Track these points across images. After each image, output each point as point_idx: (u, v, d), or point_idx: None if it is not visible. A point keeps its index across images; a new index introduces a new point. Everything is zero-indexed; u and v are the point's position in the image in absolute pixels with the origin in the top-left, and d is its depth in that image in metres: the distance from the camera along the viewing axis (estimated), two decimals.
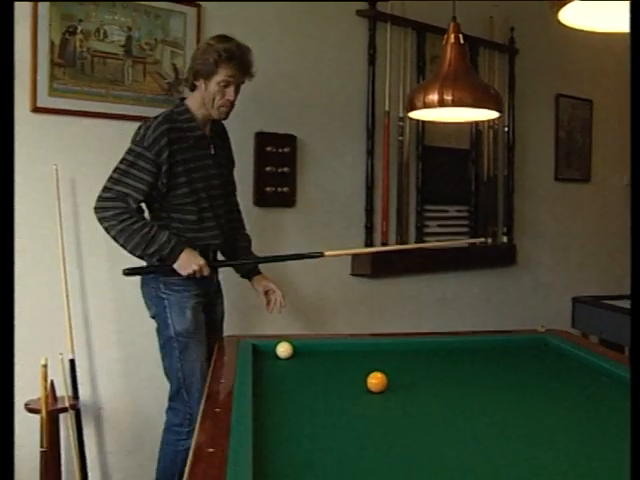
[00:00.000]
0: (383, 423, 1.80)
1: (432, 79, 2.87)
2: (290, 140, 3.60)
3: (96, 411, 3.15)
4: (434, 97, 2.71)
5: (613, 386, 2.16)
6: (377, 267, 3.95)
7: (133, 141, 2.65)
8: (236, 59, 2.67)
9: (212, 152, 2.81)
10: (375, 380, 2.02)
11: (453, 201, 4.50)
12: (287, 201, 3.58)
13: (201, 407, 1.85)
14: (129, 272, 2.67)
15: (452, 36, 2.79)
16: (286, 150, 3.59)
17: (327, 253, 2.90)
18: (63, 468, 2.84)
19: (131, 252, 2.61)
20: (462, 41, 2.80)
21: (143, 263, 2.73)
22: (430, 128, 4.25)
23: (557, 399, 2.05)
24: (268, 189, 3.57)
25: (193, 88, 2.78)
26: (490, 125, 4.62)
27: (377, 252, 3.85)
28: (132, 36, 3.11)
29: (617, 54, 5.62)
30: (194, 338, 2.72)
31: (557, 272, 5.31)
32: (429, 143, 4.29)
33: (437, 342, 2.71)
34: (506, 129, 4.76)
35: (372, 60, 3.99)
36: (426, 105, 2.76)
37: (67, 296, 2.87)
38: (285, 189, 3.56)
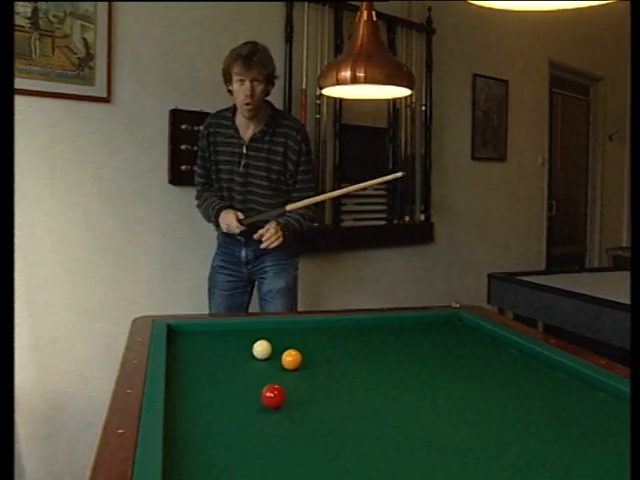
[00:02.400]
0: (295, 401, 1.80)
1: (345, 56, 2.88)
2: (205, 118, 3.54)
3: None
4: (346, 74, 2.71)
5: (523, 358, 2.21)
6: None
7: None
8: (242, 57, 2.91)
9: (244, 151, 3.12)
10: (290, 357, 2.02)
11: (370, 179, 4.52)
12: None
13: (112, 388, 1.82)
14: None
15: (365, 14, 2.79)
16: (202, 128, 3.53)
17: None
18: None
19: (207, 221, 3.29)
20: (375, 18, 2.80)
21: None
22: (347, 107, 4.25)
23: (469, 372, 2.08)
24: (183, 167, 3.52)
25: (231, 92, 3.07)
26: (407, 104, 4.65)
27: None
28: (39, 8, 3.00)
29: (532, 35, 5.73)
30: (213, 287, 3.33)
31: (474, 250, 5.41)
32: (346, 121, 4.30)
33: (353, 319, 2.72)
34: (423, 108, 4.81)
35: (289, 38, 3.96)
36: (339, 82, 2.76)
37: None
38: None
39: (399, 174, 3.09)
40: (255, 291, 3.39)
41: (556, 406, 1.77)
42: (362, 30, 2.81)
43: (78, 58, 3.13)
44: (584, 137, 7.14)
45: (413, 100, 4.65)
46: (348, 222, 4.36)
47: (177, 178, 3.53)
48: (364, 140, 4.45)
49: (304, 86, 4.01)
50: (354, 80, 2.72)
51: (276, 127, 3.12)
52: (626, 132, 7.37)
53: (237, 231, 3.10)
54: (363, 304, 4.15)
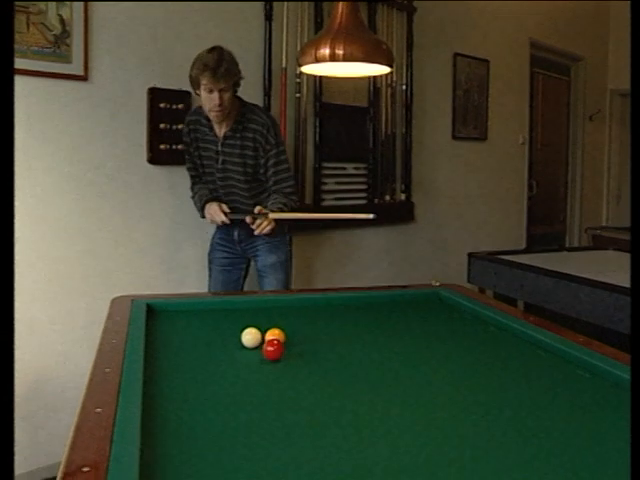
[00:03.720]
0: (278, 380, 1.80)
1: (324, 34, 2.86)
2: (184, 96, 3.52)
3: None
4: (325, 51, 2.70)
5: (503, 336, 2.22)
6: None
7: None
8: (209, 69, 2.98)
9: (219, 148, 3.23)
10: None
11: (351, 159, 4.53)
12: (182, 159, 3.50)
13: (90, 367, 1.81)
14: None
15: None
16: (180, 107, 3.51)
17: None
18: None
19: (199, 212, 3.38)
20: None
21: None
22: (328, 85, 4.24)
23: (448, 350, 2.09)
24: (162, 146, 3.49)
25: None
26: (388, 83, 4.64)
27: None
28: None
29: (513, 14, 5.73)
30: (211, 263, 3.53)
31: (455, 229, 5.43)
32: (327, 100, 4.29)
33: (333, 298, 2.72)
34: (404, 87, 4.80)
35: (269, 16, 3.92)
36: (318, 60, 2.74)
37: None
38: (180, 146, 3.48)
39: (370, 216, 3.10)
40: (253, 268, 3.57)
41: (535, 383, 1.78)
42: (341, 8, 2.79)
43: (54, 35, 3.08)
44: (565, 117, 7.16)
45: (394, 79, 4.64)
46: (328, 201, 4.36)
47: (156, 157, 3.50)
48: (344, 119, 4.44)
49: (284, 65, 3.99)
50: (333, 58, 2.71)
51: (246, 123, 3.21)
52: (606, 112, 7.41)
53: (220, 223, 3.25)
54: (343, 283, 4.16)
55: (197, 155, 3.34)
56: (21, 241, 3.11)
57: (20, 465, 3.10)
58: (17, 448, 2.84)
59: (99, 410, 1.44)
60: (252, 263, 3.55)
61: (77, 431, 1.35)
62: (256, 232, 3.14)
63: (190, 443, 1.35)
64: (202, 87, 3.05)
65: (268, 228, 3.11)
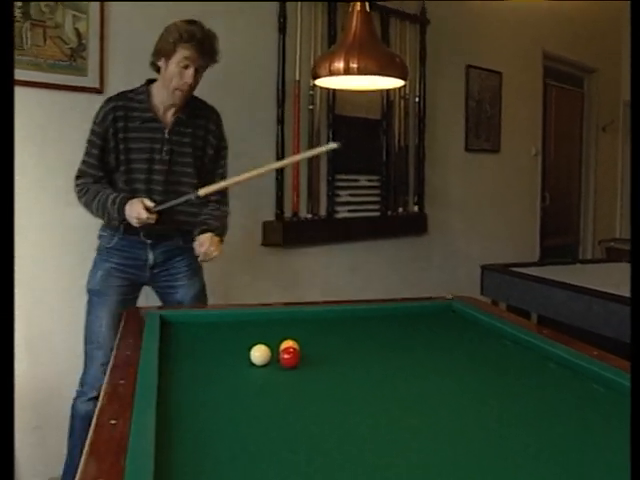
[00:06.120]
0: (293, 392, 1.80)
1: (338, 47, 2.88)
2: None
3: None
4: (340, 65, 2.72)
5: (516, 349, 2.21)
6: (288, 237, 3.96)
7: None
8: (196, 41, 2.64)
9: (166, 136, 2.79)
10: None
11: (364, 171, 4.54)
12: None
13: (105, 379, 1.82)
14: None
15: (358, 4, 2.79)
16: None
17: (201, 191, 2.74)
18: None
19: (101, 219, 2.82)
20: (368, 9, 2.80)
21: None
22: (341, 98, 4.25)
23: (462, 363, 2.08)
24: None
25: (157, 69, 2.77)
26: (401, 95, 4.65)
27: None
28: None
29: (526, 26, 5.73)
30: (104, 295, 2.82)
31: (467, 241, 5.42)
32: (340, 112, 4.30)
33: (346, 310, 2.71)
34: (417, 99, 4.81)
35: (282, 28, 3.95)
36: (332, 73, 2.76)
37: None
38: None
39: (334, 145, 2.87)
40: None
41: (548, 397, 1.77)
42: (355, 21, 2.81)
43: (70, 48, 3.11)
44: (578, 128, 7.15)
45: (407, 91, 4.65)
46: (342, 213, 4.36)
47: None
48: (358, 131, 4.45)
49: (297, 77, 4.01)
50: (347, 71, 2.73)
51: (197, 110, 2.89)
52: (620, 124, 7.38)
53: (149, 221, 2.68)
54: (357, 295, 4.15)
55: (122, 149, 2.76)
56: (42, 251, 3.13)
57: (35, 475, 3.12)
58: (31, 458, 2.85)
59: (114, 422, 1.44)
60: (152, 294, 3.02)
61: (92, 442, 1.36)
62: (201, 259, 2.79)
63: (206, 455, 1.35)
64: (175, 60, 2.67)
65: (216, 253, 2.77)
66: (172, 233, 2.89)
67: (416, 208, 4.88)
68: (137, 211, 2.65)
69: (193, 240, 2.80)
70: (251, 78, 3.87)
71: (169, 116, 2.82)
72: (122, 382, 1.72)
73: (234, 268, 3.83)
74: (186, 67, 2.68)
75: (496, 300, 4.17)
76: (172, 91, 2.73)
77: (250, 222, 3.84)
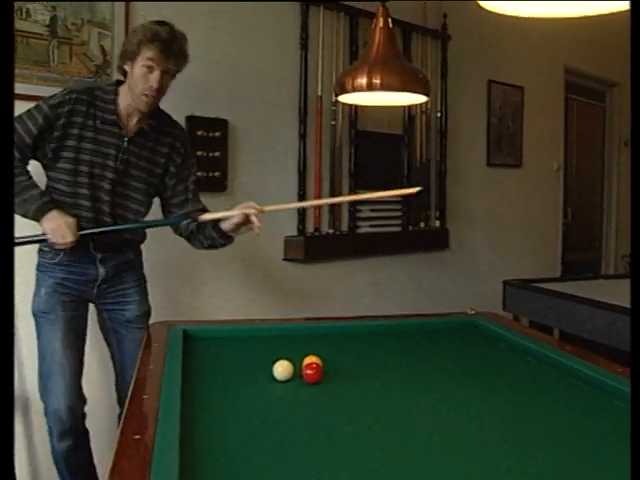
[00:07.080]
0: (318, 408, 1.81)
1: (361, 63, 2.89)
2: (221, 124, 3.57)
3: (23, 401, 3.08)
4: (363, 81, 2.73)
5: (539, 366, 2.20)
6: (310, 252, 3.97)
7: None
8: (160, 41, 2.45)
9: (124, 145, 2.60)
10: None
11: (386, 186, 4.52)
12: (218, 186, 3.54)
13: (129, 394, 1.83)
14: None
15: (381, 20, 2.81)
16: (217, 134, 3.55)
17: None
18: None
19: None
20: (391, 25, 2.81)
21: None
22: (363, 113, 4.26)
23: (485, 379, 2.08)
24: (199, 174, 3.50)
25: (124, 73, 2.58)
26: (423, 110, 4.66)
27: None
28: (57, 16, 3.02)
29: (548, 40, 5.72)
30: (52, 312, 2.58)
31: (489, 256, 5.40)
32: (362, 128, 4.31)
33: (368, 325, 2.72)
34: (439, 114, 4.80)
35: (304, 44, 3.97)
36: (355, 89, 2.77)
37: None
38: (216, 174, 3.52)
39: (414, 190, 2.73)
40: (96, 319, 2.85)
41: (572, 414, 1.76)
42: (378, 37, 2.82)
43: (95, 65, 3.15)
44: (600, 143, 7.11)
45: (428, 106, 4.65)
46: (364, 229, 4.37)
47: None
48: (379, 146, 4.46)
49: (319, 92, 4.02)
50: (370, 87, 2.74)
51: (162, 126, 2.72)
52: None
53: (68, 245, 2.45)
54: (378, 310, 4.14)
55: (63, 145, 2.52)
56: None
57: None
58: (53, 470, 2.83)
59: (137, 437, 1.45)
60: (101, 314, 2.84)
61: (116, 458, 1.37)
62: (257, 227, 2.55)
63: (230, 471, 1.36)
64: (140, 62, 2.48)
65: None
66: (122, 246, 2.72)
67: (438, 223, 4.87)
68: (62, 234, 2.42)
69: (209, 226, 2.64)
70: (273, 94, 3.89)
71: (132, 124, 2.62)
72: (146, 397, 1.73)
73: (256, 283, 3.84)
74: (151, 69, 2.48)
75: (518, 316, 4.15)
76: (138, 96, 2.53)
77: (272, 237, 3.85)
